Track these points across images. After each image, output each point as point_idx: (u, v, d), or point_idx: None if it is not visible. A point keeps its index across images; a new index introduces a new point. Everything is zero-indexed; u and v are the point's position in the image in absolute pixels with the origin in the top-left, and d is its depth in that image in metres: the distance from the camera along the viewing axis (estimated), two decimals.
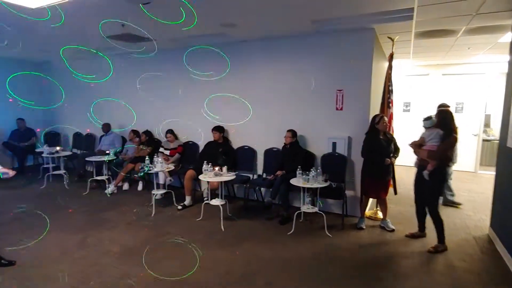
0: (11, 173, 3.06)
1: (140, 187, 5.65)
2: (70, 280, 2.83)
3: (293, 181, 3.88)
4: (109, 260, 3.19)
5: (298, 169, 3.93)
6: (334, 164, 4.34)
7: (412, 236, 3.72)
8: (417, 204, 3.69)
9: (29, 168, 6.97)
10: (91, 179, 5.54)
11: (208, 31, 4.40)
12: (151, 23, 3.93)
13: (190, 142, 5.60)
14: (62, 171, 5.85)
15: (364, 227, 4.00)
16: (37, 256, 3.24)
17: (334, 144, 4.43)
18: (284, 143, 4.50)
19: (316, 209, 3.89)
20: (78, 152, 6.86)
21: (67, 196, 5.24)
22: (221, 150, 4.87)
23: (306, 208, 3.92)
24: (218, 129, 4.96)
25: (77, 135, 7.18)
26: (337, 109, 4.41)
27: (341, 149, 4.38)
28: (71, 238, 3.67)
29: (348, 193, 4.33)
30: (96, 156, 5.58)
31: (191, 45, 5.12)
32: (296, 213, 3.95)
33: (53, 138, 7.26)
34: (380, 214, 4.18)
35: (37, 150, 6.55)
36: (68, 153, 6.14)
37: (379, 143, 3.81)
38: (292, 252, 3.39)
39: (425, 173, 3.39)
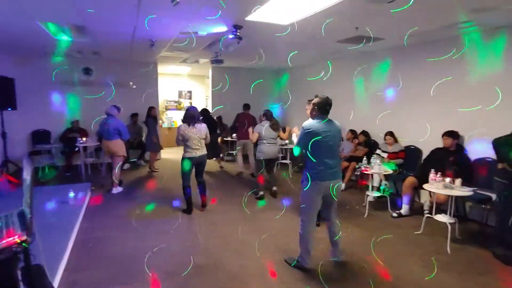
0: None
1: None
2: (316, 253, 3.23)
3: None
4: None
5: None
6: None
7: None
8: None
9: None
10: None
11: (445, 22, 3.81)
12: (386, 22, 3.87)
13: (412, 147, 5.13)
14: (287, 161, 6.94)
15: None
16: (280, 229, 3.93)
17: None
18: None
19: None
20: None
21: (291, 183, 6.03)
22: (452, 159, 4.15)
23: None
24: (451, 134, 4.24)
25: None
26: None
27: None
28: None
29: None
30: None
31: (419, 42, 4.65)
32: None
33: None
34: None
35: None
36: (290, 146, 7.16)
37: None
38: None
39: None
